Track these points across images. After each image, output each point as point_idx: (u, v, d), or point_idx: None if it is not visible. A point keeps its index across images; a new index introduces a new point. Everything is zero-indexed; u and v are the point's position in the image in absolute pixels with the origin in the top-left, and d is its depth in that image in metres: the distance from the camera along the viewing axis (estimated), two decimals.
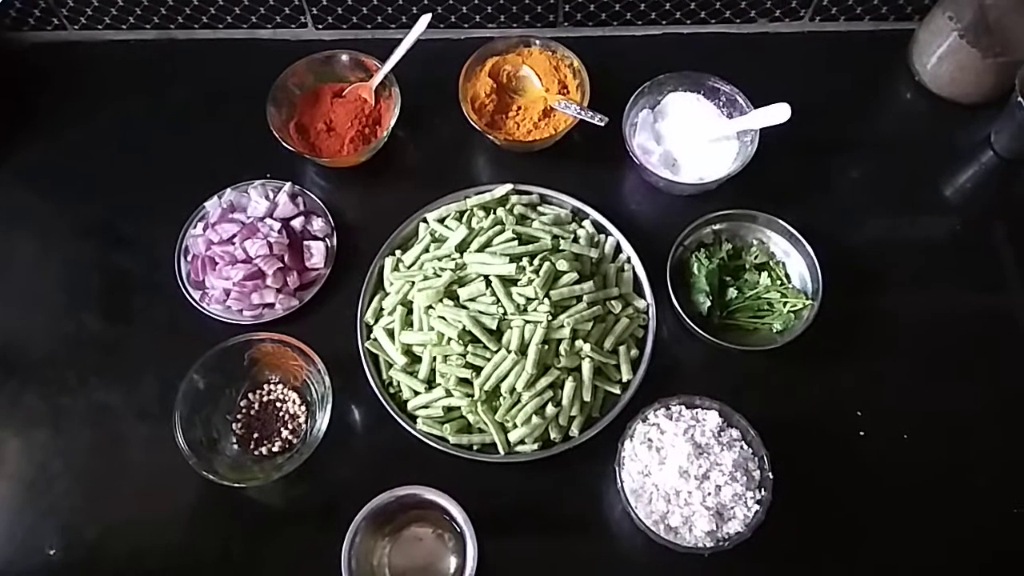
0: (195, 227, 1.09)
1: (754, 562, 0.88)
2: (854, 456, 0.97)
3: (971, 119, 1.16)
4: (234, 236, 1.05)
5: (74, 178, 1.16)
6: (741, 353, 0.99)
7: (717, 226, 1.06)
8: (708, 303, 1.01)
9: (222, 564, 0.94)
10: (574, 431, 0.96)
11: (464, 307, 0.97)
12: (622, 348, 0.99)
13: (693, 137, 1.11)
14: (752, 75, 1.11)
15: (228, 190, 1.10)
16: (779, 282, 1.03)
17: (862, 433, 0.98)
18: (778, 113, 1.05)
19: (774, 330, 1.01)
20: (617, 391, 0.98)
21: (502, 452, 0.95)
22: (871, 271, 1.06)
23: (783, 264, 1.05)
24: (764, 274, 1.04)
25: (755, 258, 1.05)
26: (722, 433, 0.90)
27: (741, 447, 0.90)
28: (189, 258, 1.08)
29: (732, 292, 1.03)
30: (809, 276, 1.02)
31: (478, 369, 0.95)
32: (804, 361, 1.00)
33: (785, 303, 1.02)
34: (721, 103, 1.12)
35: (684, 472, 0.88)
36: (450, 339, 0.95)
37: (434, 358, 0.97)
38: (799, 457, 0.91)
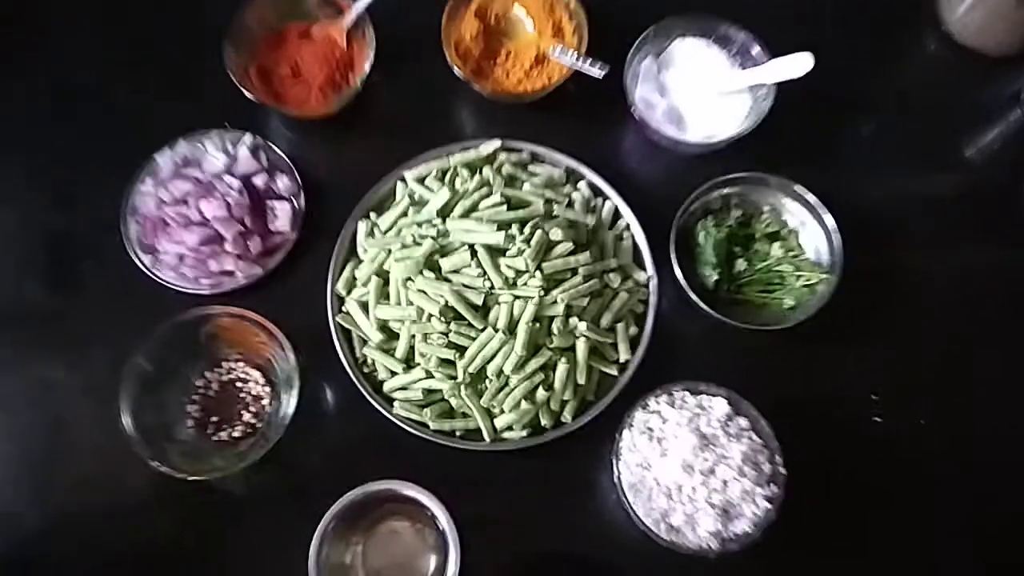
0: (144, 183, 0.97)
1: (764, 565, 0.81)
2: (873, 446, 0.90)
3: (1000, 73, 1.06)
4: (188, 195, 0.94)
5: (8, 128, 1.04)
6: (750, 332, 0.90)
7: (726, 190, 0.96)
8: (715, 276, 0.93)
9: (178, 560, 0.87)
10: (567, 416, 0.87)
11: (447, 280, 0.87)
12: (620, 325, 0.90)
13: (701, 90, 1.01)
14: (767, 21, 1.00)
15: (181, 141, 0.98)
16: (792, 253, 0.94)
17: (878, 419, 0.91)
18: (798, 64, 0.94)
19: (785, 306, 0.93)
20: (614, 372, 0.90)
21: (487, 439, 0.87)
22: (891, 240, 0.98)
23: (796, 233, 0.96)
24: (776, 244, 0.95)
25: (767, 226, 0.96)
26: (730, 422, 0.83)
27: (750, 438, 0.82)
28: (139, 218, 0.96)
29: (741, 264, 0.95)
30: (826, 247, 0.93)
31: (462, 349, 0.86)
32: (819, 341, 0.91)
33: (798, 276, 0.93)
34: (733, 52, 1.01)
35: (687, 466, 0.80)
36: (431, 315, 0.86)
37: (413, 336, 0.88)
38: (814, 447, 0.83)
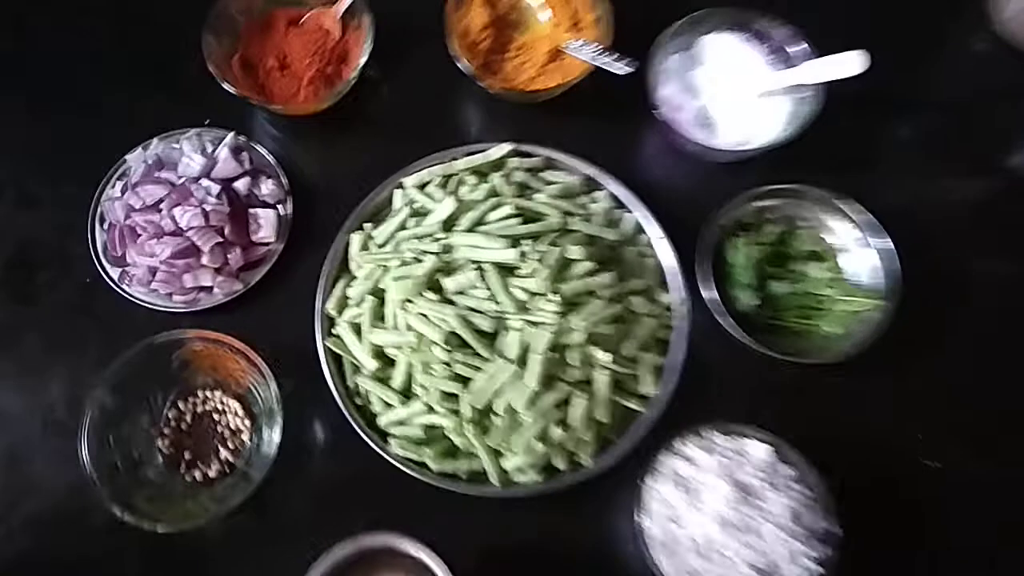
0: (113, 187, 0.88)
1: None
2: (936, 494, 0.81)
3: None
4: (161, 201, 0.85)
5: None
6: (793, 364, 0.80)
7: (761, 203, 0.87)
8: (750, 300, 0.83)
9: None
10: (584, 458, 0.78)
11: (451, 302, 0.78)
12: (644, 355, 0.81)
13: (735, 91, 0.92)
14: (806, 17, 0.90)
15: (155, 141, 0.90)
16: (835, 275, 0.86)
17: (930, 463, 0.81)
18: (848, 65, 0.85)
19: (827, 333, 0.84)
20: (638, 408, 0.80)
21: (495, 483, 0.77)
22: (945, 259, 0.89)
23: (839, 253, 0.87)
24: (818, 264, 0.86)
25: (806, 244, 0.87)
26: (772, 471, 0.73)
27: (796, 489, 0.72)
28: (106, 226, 0.87)
29: (778, 286, 0.85)
30: (873, 269, 0.84)
31: (467, 381, 0.77)
32: (872, 374, 0.82)
33: (842, 302, 0.84)
34: (771, 49, 0.92)
35: (724, 521, 0.71)
36: (432, 343, 0.77)
37: (412, 365, 0.78)
38: (870, 499, 0.75)
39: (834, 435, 0.78)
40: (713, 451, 0.74)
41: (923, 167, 0.93)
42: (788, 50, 0.90)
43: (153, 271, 0.84)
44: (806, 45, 0.88)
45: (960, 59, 1.01)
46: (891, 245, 0.82)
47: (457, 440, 0.77)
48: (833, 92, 0.86)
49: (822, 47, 0.87)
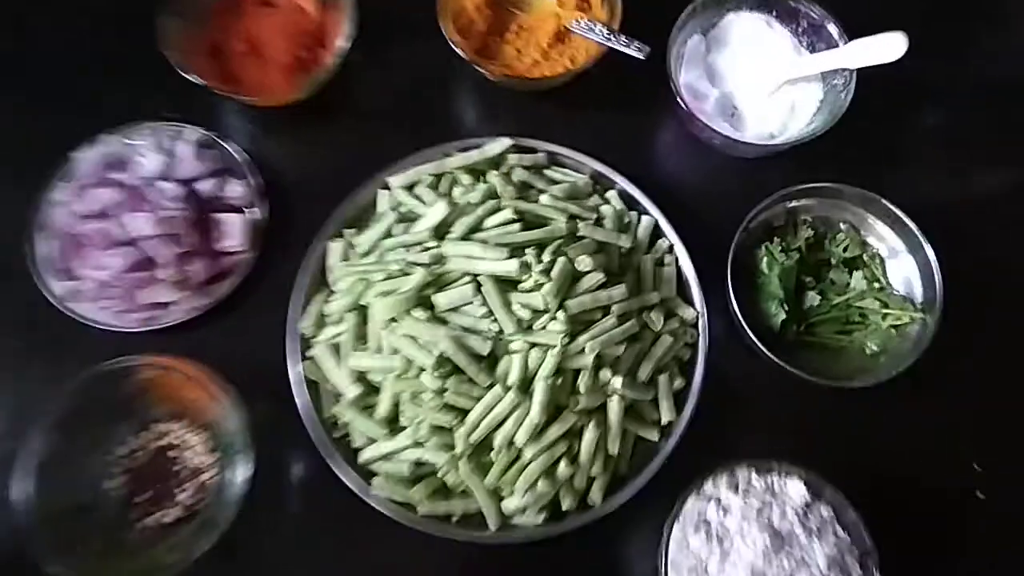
0: (56, 189, 0.78)
1: None
2: (989, 533, 0.73)
3: None
4: (111, 206, 0.76)
5: None
6: (831, 388, 0.72)
7: (793, 204, 0.79)
8: (782, 315, 0.74)
9: None
10: (595, 497, 0.69)
11: (443, 321, 0.69)
12: (662, 378, 0.73)
13: (761, 77, 0.84)
14: None
15: (105, 136, 0.80)
16: (876, 285, 0.77)
17: (980, 495, 0.73)
18: (887, 47, 0.76)
19: (868, 351, 0.76)
20: (654, 437, 0.71)
21: (492, 527, 0.68)
22: (996, 265, 0.81)
23: (881, 259, 0.78)
24: (857, 273, 0.78)
25: (844, 250, 0.78)
26: (808, 513, 0.64)
27: (835, 533, 0.64)
28: (48, 235, 0.77)
29: (813, 297, 0.77)
30: (919, 278, 0.76)
31: (462, 413, 0.68)
32: (913, 398, 0.74)
33: (885, 315, 0.75)
34: (801, 30, 0.84)
35: (758, 573, 0.62)
36: (422, 368, 0.68)
37: (398, 392, 0.69)
38: (912, 539, 0.66)
39: (873, 466, 0.72)
40: (746, 493, 0.65)
41: (972, 165, 0.86)
42: (819, 31, 0.82)
43: (103, 287, 0.75)
44: (839, 26, 0.80)
45: (1007, 41, 0.92)
46: (931, 249, 0.74)
47: (450, 478, 0.68)
48: (876, 80, 0.78)
49: (855, 29, 0.79)
